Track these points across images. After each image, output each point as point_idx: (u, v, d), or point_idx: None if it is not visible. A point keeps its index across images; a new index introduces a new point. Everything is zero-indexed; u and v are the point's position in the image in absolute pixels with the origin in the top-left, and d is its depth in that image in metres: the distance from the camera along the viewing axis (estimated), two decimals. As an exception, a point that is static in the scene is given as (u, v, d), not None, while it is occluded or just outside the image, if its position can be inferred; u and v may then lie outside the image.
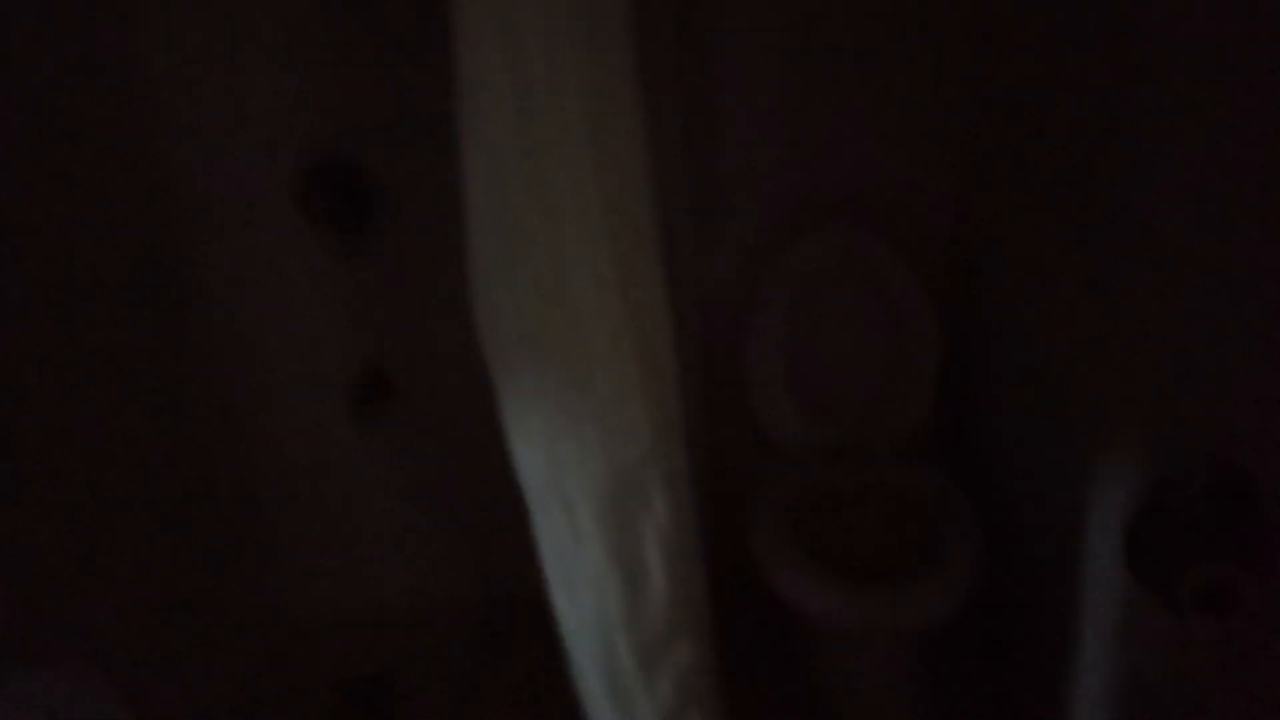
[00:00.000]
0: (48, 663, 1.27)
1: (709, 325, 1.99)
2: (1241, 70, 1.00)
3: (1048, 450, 1.57)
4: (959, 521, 1.67)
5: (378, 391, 1.97)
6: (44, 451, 1.52)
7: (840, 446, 1.90)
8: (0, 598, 1.34)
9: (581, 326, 1.08)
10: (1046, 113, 1.52)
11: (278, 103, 1.81)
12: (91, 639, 1.52)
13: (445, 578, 2.17)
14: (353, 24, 1.77)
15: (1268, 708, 1.06)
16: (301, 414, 2.00)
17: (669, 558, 1.18)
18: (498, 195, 1.05)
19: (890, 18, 1.81)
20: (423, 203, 1.89)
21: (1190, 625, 1.09)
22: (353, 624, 2.14)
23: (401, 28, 1.77)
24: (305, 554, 2.13)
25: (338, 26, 1.77)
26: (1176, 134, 1.14)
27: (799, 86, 1.86)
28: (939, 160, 1.91)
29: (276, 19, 1.74)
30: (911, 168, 1.92)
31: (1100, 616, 1.39)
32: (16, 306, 1.50)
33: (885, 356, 1.89)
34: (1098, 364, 1.38)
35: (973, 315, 1.89)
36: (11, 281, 1.50)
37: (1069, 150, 1.44)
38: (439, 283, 1.94)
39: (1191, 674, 1.18)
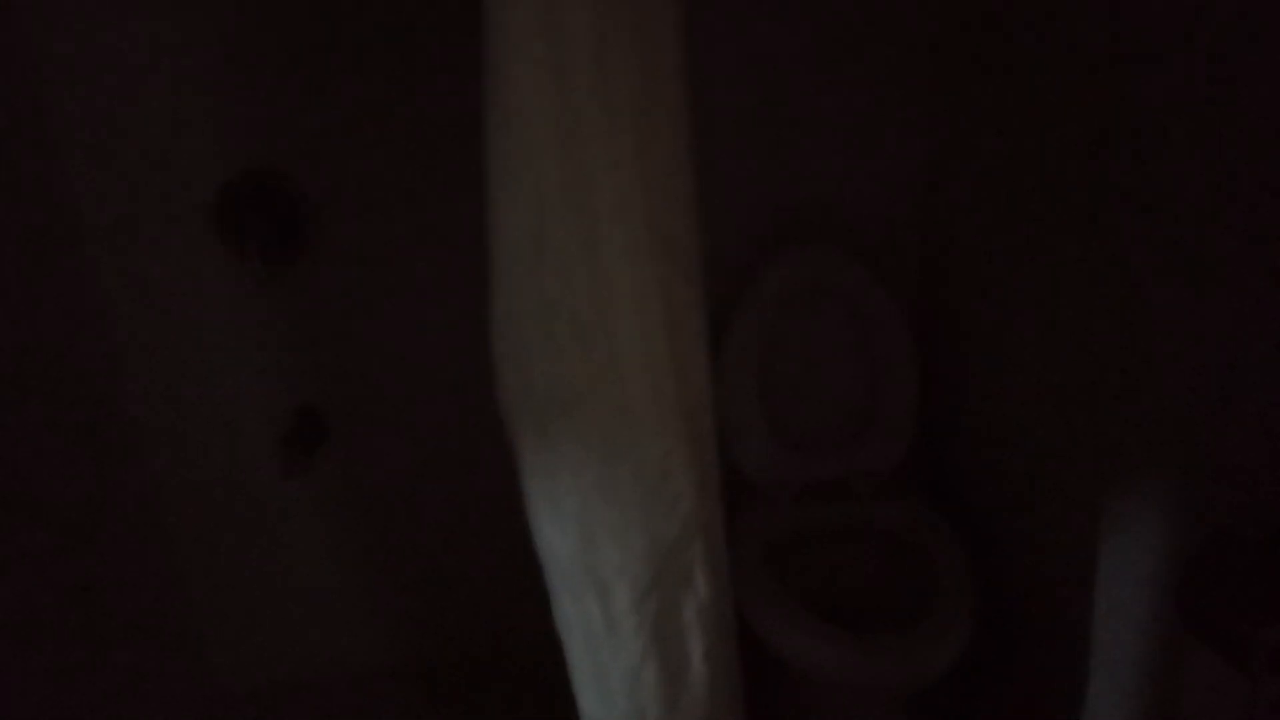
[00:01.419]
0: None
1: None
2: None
3: (1050, 488, 1.51)
4: (952, 564, 1.60)
5: (309, 435, 1.74)
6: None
7: (818, 481, 1.81)
8: None
9: (626, 383, 0.92)
10: (1023, 128, 1.46)
11: (188, 109, 1.57)
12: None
13: (393, 640, 1.95)
14: (272, 16, 1.56)
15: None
16: (224, 463, 1.75)
17: (711, 642, 1.04)
18: (529, 218, 0.87)
19: (859, 29, 1.74)
20: (357, 219, 1.69)
21: (1260, 683, 1.03)
22: (292, 692, 1.91)
23: (331, 22, 1.57)
24: (235, 619, 1.87)
25: (253, 18, 1.55)
26: (1180, 138, 1.09)
27: (770, 100, 1.76)
28: (912, 179, 1.85)
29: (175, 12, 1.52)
30: (883, 187, 1.85)
31: (1130, 669, 1.33)
32: None
33: (862, 386, 1.81)
34: (1111, 396, 1.32)
35: (955, 341, 1.82)
36: None
37: (1058, 161, 1.38)
38: (378, 310, 1.75)
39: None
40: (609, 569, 0.97)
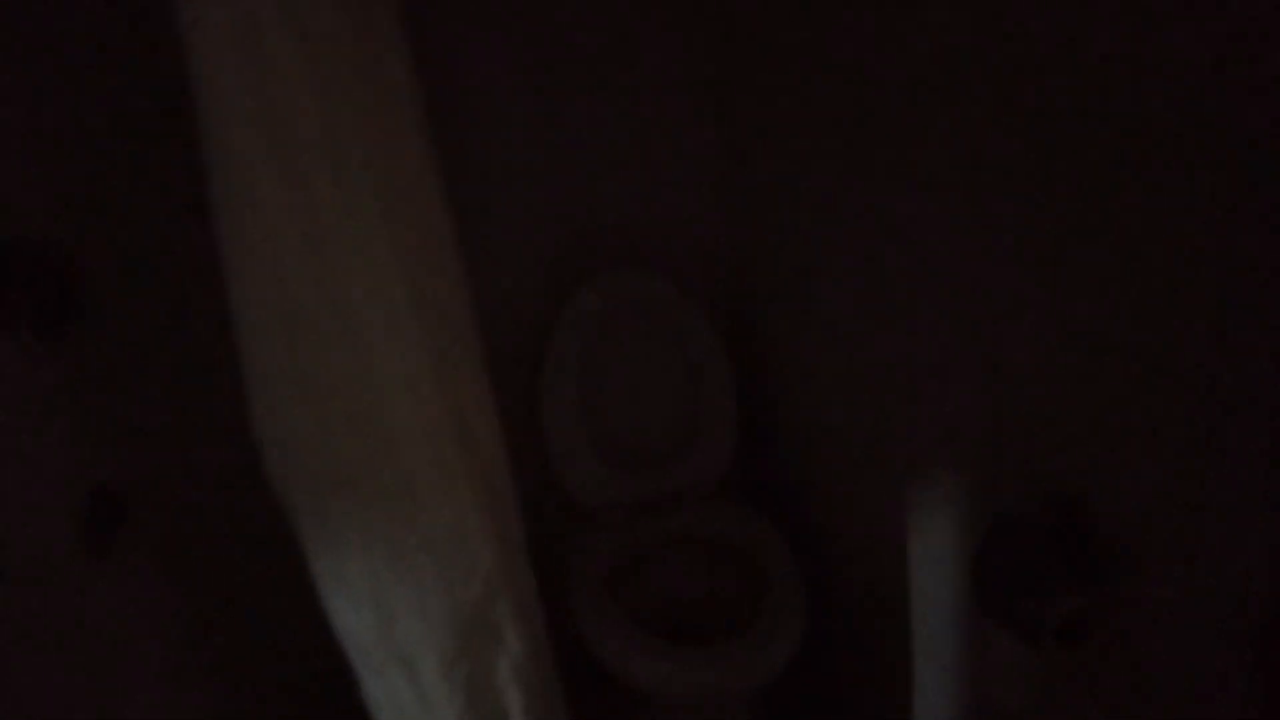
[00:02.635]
0: None
1: (497, 388, 1.83)
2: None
3: (862, 486, 1.57)
4: (782, 568, 1.64)
5: (107, 518, 1.63)
6: None
7: (649, 499, 1.82)
8: None
9: (402, 451, 0.90)
10: (809, 141, 1.51)
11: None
12: None
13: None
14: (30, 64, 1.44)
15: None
16: (15, 558, 1.61)
17: (530, 693, 1.03)
18: (276, 298, 0.83)
19: (638, 39, 1.75)
20: (142, 286, 1.59)
21: (1051, 657, 1.10)
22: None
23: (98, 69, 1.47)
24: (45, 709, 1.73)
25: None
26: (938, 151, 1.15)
27: (562, 126, 1.76)
28: (711, 192, 1.88)
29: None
30: (687, 203, 1.88)
31: (945, 652, 1.41)
32: None
33: (683, 401, 1.83)
34: (906, 394, 1.38)
35: (767, 348, 1.87)
36: None
37: (844, 177, 1.44)
38: (169, 378, 1.65)
39: (1052, 699, 1.20)
40: (412, 642, 0.95)
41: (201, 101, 0.78)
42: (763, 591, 1.60)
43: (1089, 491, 1.08)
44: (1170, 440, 0.91)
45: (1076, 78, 0.90)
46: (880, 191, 1.32)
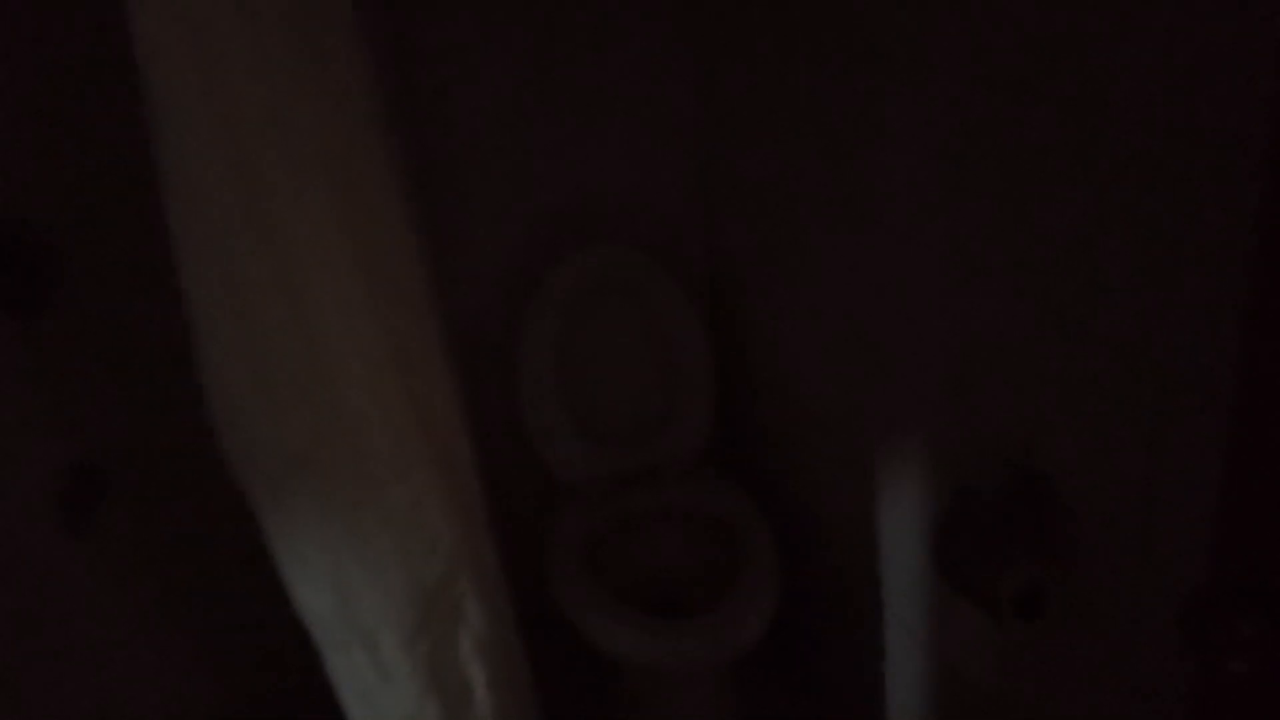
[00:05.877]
0: None
1: (473, 365, 1.83)
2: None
3: (835, 457, 1.59)
4: (758, 540, 1.65)
5: (87, 496, 1.64)
6: None
7: (627, 473, 1.83)
8: None
9: (359, 436, 0.91)
10: (780, 114, 1.51)
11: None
12: None
13: (188, 696, 1.87)
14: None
15: (1081, 697, 1.11)
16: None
17: (493, 667, 1.04)
18: (227, 288, 0.84)
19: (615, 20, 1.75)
20: (117, 262, 1.59)
21: (1008, 626, 1.11)
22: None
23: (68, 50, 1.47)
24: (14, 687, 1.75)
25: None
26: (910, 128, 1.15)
27: (530, 99, 1.75)
28: (683, 166, 1.88)
29: None
30: (658, 176, 1.87)
31: (913, 623, 1.42)
32: None
33: (660, 374, 1.84)
34: (878, 367, 1.39)
35: (743, 322, 1.87)
36: None
37: (819, 151, 1.43)
38: (148, 356, 1.66)
39: (1011, 669, 1.22)
40: (371, 618, 0.96)
41: (148, 82, 0.78)
42: (739, 564, 1.62)
43: (1050, 466, 1.09)
44: (1131, 424, 0.92)
45: (1053, 64, 0.90)
46: (855, 168, 1.32)
